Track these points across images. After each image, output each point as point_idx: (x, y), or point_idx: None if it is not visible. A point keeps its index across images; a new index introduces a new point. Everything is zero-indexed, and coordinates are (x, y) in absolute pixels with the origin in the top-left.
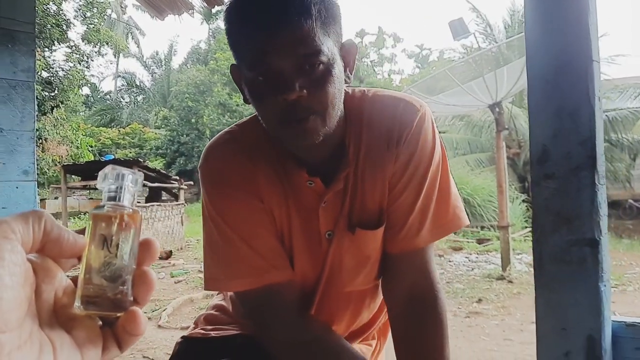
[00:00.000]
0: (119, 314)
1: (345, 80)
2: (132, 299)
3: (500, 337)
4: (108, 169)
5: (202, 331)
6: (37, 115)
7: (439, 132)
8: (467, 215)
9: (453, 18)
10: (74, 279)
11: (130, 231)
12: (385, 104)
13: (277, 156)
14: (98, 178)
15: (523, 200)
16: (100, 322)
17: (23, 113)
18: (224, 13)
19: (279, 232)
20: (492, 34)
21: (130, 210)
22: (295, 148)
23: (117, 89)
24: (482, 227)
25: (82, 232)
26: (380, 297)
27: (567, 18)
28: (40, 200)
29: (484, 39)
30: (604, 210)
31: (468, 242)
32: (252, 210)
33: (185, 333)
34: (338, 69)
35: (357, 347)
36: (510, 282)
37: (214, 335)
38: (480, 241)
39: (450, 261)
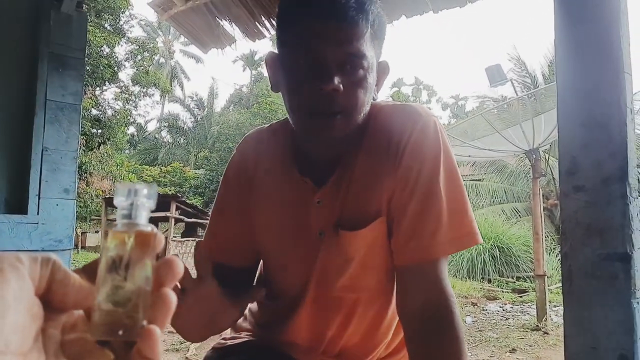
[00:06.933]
0: (130, 341)
1: (372, 96)
2: (144, 324)
3: None
4: (121, 185)
5: (223, 341)
6: (84, 151)
7: (477, 178)
8: (503, 264)
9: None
10: (88, 311)
11: (142, 251)
12: (387, 112)
13: (288, 153)
14: (114, 194)
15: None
16: (113, 356)
17: (68, 134)
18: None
19: (262, 228)
20: (529, 83)
21: (143, 228)
22: (315, 140)
23: (161, 129)
24: (518, 278)
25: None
26: (382, 316)
27: (597, 29)
28: (82, 233)
29: (522, 89)
30: (636, 224)
31: (503, 291)
32: (233, 199)
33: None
34: (372, 80)
35: None
36: (546, 333)
37: (229, 344)
38: (515, 291)
39: (484, 310)
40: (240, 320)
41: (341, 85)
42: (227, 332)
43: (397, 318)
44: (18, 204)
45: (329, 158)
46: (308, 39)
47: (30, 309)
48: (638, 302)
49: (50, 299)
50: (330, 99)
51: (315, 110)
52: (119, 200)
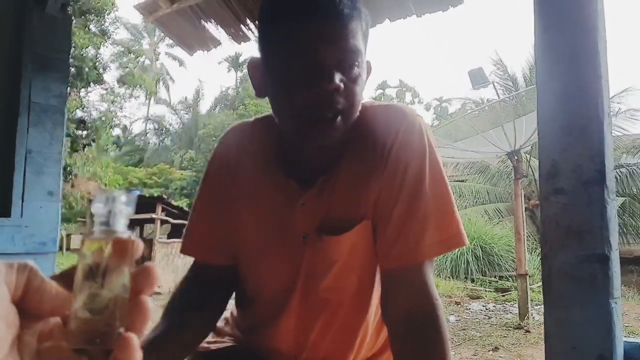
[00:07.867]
0: (107, 349)
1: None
2: (121, 331)
3: None
4: (99, 192)
5: (206, 344)
6: (68, 152)
7: (459, 180)
8: (486, 264)
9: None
10: (65, 318)
11: (119, 259)
12: (372, 113)
13: (272, 153)
14: (92, 202)
15: None
16: None
17: (52, 136)
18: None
19: (243, 227)
20: (511, 86)
21: (120, 235)
22: (311, 144)
23: (146, 131)
24: (501, 277)
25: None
26: (364, 316)
27: (576, 35)
28: (67, 235)
29: (504, 91)
30: (614, 225)
31: (486, 291)
32: (217, 195)
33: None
34: (365, 78)
35: None
36: (527, 331)
37: (212, 348)
38: (498, 290)
39: (467, 309)
40: (222, 324)
41: (341, 85)
42: (210, 336)
43: (378, 317)
44: (1, 207)
45: (317, 160)
46: (304, 39)
47: (5, 317)
48: (616, 303)
49: (27, 306)
50: (331, 99)
51: (316, 113)
52: (97, 207)
